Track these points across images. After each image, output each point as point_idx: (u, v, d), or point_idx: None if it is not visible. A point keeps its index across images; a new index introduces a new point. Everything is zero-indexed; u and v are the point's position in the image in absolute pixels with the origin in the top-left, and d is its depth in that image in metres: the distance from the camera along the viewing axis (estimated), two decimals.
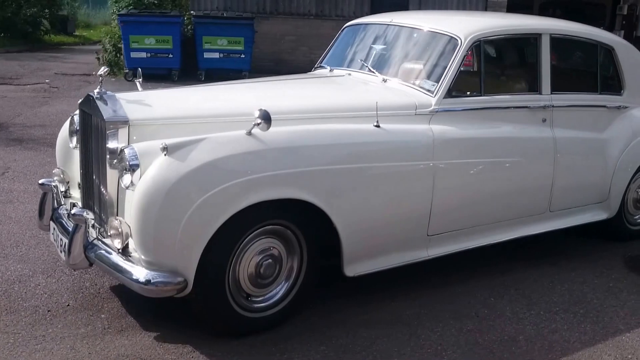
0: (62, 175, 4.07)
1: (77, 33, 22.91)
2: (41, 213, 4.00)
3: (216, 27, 12.95)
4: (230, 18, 13.11)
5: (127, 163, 3.20)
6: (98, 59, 13.95)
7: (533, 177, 4.38)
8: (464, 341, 3.52)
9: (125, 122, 3.46)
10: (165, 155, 3.13)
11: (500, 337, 3.58)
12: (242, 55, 13.17)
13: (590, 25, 5.05)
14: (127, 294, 3.69)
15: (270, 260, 3.44)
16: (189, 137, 3.25)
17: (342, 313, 3.77)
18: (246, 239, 3.34)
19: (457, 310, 3.87)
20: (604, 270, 4.57)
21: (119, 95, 3.69)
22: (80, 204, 3.82)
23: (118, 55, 13.45)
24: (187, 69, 13.01)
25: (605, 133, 4.77)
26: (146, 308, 3.66)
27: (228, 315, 3.37)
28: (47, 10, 20.18)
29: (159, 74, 12.09)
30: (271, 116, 3.30)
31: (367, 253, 3.71)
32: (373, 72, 4.39)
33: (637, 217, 5.19)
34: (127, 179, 3.21)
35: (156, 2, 14.09)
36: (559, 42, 4.60)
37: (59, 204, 3.93)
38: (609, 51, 4.85)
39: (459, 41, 4.12)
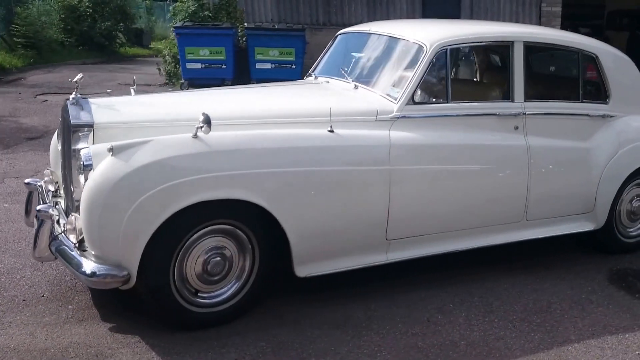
0: (51, 176, 4.37)
1: (152, 45, 23.88)
2: (27, 211, 4.32)
3: (268, 38, 13.28)
4: (281, 30, 13.43)
5: (82, 163, 3.45)
6: (159, 69, 14.57)
7: (504, 185, 4.35)
8: (404, 344, 3.57)
9: (90, 125, 3.72)
10: (111, 155, 3.36)
11: (442, 341, 3.61)
12: (293, 66, 13.44)
13: (575, 33, 4.96)
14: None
15: (218, 259, 3.61)
16: (137, 139, 3.46)
17: (296, 313, 3.89)
18: (192, 237, 3.51)
19: (410, 314, 3.92)
20: (583, 282, 4.49)
21: (93, 100, 3.98)
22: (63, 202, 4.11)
23: (177, 66, 14.01)
24: (240, 79, 13.38)
25: (588, 142, 4.67)
26: (112, 301, 3.89)
27: (173, 309, 3.56)
28: (121, 24, 21.20)
29: (213, 84, 12.49)
30: (221, 121, 3.50)
31: (320, 255, 3.82)
32: (347, 79, 4.50)
33: (631, 229, 5.03)
34: (82, 178, 3.46)
35: (211, 14, 14.59)
36: (536, 50, 4.58)
37: (44, 203, 4.22)
38: (592, 59, 4.76)
39: (424, 48, 4.18)
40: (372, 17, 14.80)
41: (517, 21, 13.75)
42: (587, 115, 4.69)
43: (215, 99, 4.44)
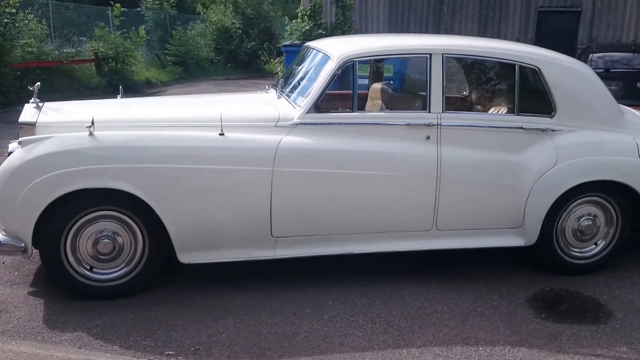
0: None
1: None
2: None
3: None
4: None
5: (7, 153, 4.17)
6: (267, 87, 15.48)
7: (408, 193, 4.41)
8: (251, 330, 3.84)
9: (32, 124, 4.43)
10: (20, 147, 4.04)
11: (286, 332, 3.83)
12: (391, 82, 13.65)
13: (521, 44, 4.86)
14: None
15: (107, 240, 4.13)
16: (45, 135, 4.11)
17: (182, 294, 4.30)
18: (81, 220, 4.08)
19: (282, 307, 4.15)
20: (494, 296, 4.41)
21: (49, 104, 4.72)
22: None
23: None
24: None
25: (520, 155, 4.55)
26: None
27: (67, 281, 4.14)
28: (266, 44, 22.67)
29: None
30: (125, 123, 4.18)
31: (203, 245, 4.21)
32: (275, 89, 4.86)
33: (581, 250, 4.80)
34: None
35: (325, 33, 15.26)
36: (464, 62, 4.60)
37: None
38: (534, 71, 4.63)
39: (331, 61, 4.43)
40: (483, 34, 14.71)
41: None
42: (521, 128, 4.58)
43: (134, 105, 4.99)
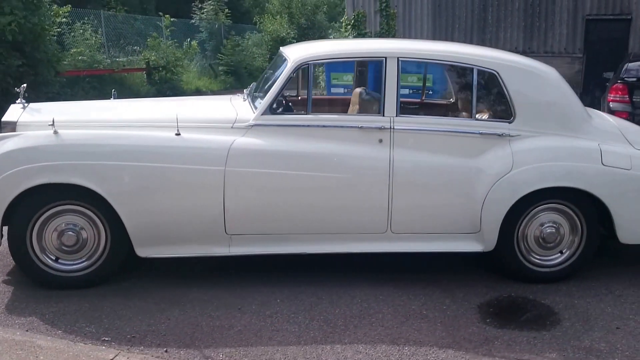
0: None
1: None
2: None
3: (409, 64, 13.66)
4: None
5: None
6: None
7: (361, 196, 4.49)
8: (190, 322, 4.01)
9: (14, 123, 4.77)
10: None
11: (223, 325, 3.99)
12: (431, 92, 13.65)
13: (484, 48, 4.87)
14: None
15: (71, 233, 4.41)
16: (13, 132, 4.43)
17: (142, 286, 4.53)
18: (46, 213, 4.36)
19: (229, 301, 4.31)
20: (446, 300, 4.42)
21: (33, 105, 5.05)
22: None
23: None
24: None
25: (476, 161, 4.56)
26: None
27: (34, 270, 4.43)
28: None
29: None
30: (92, 123, 4.43)
31: (159, 240, 4.43)
32: (243, 93, 5.05)
33: (544, 257, 4.74)
34: None
35: None
36: (420, 67, 4.66)
37: None
38: (493, 75, 4.64)
39: (288, 64, 4.58)
40: (529, 43, 14.51)
41: None
42: (478, 133, 4.60)
43: (107, 107, 5.25)
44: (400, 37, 15.71)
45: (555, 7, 14.56)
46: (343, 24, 16.60)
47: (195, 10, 21.35)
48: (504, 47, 14.85)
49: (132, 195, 4.32)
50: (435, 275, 4.83)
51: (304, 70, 4.59)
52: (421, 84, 6.04)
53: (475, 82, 4.64)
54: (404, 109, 4.69)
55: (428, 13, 15.37)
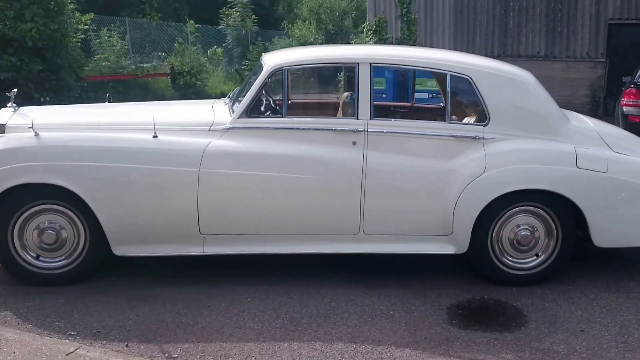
0: None
1: None
2: None
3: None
4: None
5: None
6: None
7: (334, 197, 4.55)
8: (155, 318, 4.13)
9: (3, 125, 4.96)
10: None
11: (188, 322, 4.09)
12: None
13: (458, 53, 4.89)
14: None
15: (51, 231, 4.56)
16: None
17: (120, 284, 4.66)
18: (27, 212, 4.52)
19: (197, 298, 4.42)
20: (416, 302, 4.45)
21: (23, 108, 5.23)
22: None
23: None
24: None
25: (449, 163, 4.58)
26: None
27: (15, 266, 4.60)
28: None
29: None
30: (77, 125, 4.57)
31: (135, 239, 4.56)
32: (226, 97, 5.17)
33: (519, 260, 4.74)
34: None
35: None
36: (394, 71, 4.71)
37: None
38: (467, 80, 4.67)
39: (264, 69, 4.69)
40: (551, 48, 14.39)
41: None
42: (451, 136, 4.63)
43: (92, 110, 5.41)
44: (422, 43, 15.71)
45: (578, 11, 14.39)
46: (364, 29, 16.64)
47: (222, 17, 21.65)
48: (525, 53, 14.76)
49: (108, 195, 4.46)
50: (410, 276, 4.87)
51: (279, 76, 4.66)
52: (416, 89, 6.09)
53: (449, 87, 4.67)
54: (381, 111, 4.72)
55: (449, 18, 15.33)
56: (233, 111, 4.73)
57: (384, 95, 10.58)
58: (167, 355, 3.67)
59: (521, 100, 4.73)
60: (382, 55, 4.88)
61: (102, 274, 4.75)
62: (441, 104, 5.67)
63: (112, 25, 16.94)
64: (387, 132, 4.62)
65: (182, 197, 4.49)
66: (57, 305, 4.29)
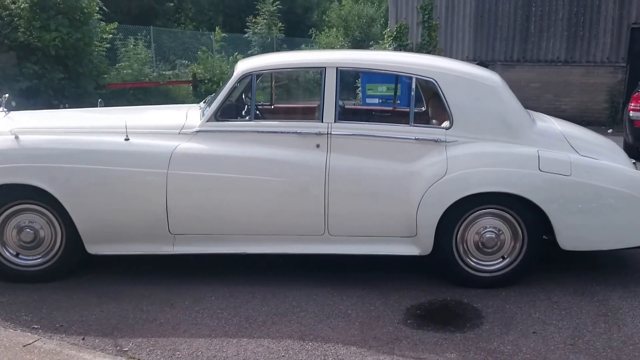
0: None
1: None
2: None
3: None
4: None
5: None
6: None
7: (298, 199, 4.65)
8: (118, 315, 4.29)
9: None
10: None
11: (148, 318, 4.24)
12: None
13: (424, 56, 4.95)
14: None
15: (29, 230, 4.78)
16: None
17: (97, 282, 4.85)
18: (5, 212, 4.74)
19: (167, 297, 4.57)
20: (376, 303, 4.51)
21: (12, 113, 5.47)
22: None
23: None
24: None
25: (412, 166, 4.64)
26: None
27: None
28: None
29: None
30: (43, 129, 4.77)
31: (108, 238, 4.73)
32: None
33: (485, 262, 4.77)
34: None
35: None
36: (360, 75, 4.79)
37: None
38: (431, 83, 4.74)
39: (233, 74, 4.84)
40: (572, 53, 14.26)
41: None
42: (414, 139, 4.70)
43: (75, 115, 5.62)
44: (441, 48, 15.72)
45: (600, 16, 14.21)
46: (385, 36, 16.72)
47: (249, 25, 21.95)
48: (545, 57, 14.63)
49: (81, 195, 4.65)
50: (378, 277, 4.94)
51: (247, 80, 4.79)
52: (392, 94, 6.15)
53: (414, 90, 4.74)
54: (348, 115, 4.80)
55: (470, 24, 15.30)
56: (203, 115, 4.87)
57: (388, 101, 10.68)
58: (118, 348, 3.81)
59: (485, 104, 4.76)
60: (348, 59, 4.97)
61: (82, 271, 4.92)
62: (422, 108, 5.74)
63: (139, 34, 17.34)
64: (350, 134, 4.70)
65: (151, 198, 4.65)
66: (29, 301, 4.48)
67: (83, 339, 3.93)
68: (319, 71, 4.79)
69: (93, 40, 13.74)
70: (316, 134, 4.67)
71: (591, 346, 3.90)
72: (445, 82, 4.71)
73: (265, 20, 21.59)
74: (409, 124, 4.75)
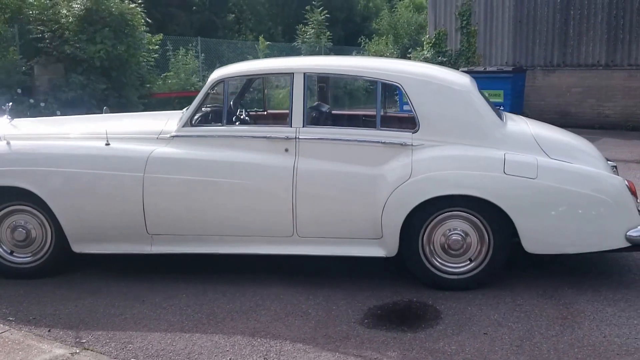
0: None
1: None
2: None
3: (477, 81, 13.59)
4: (489, 72, 13.63)
5: None
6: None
7: (267, 201, 4.81)
8: (89, 310, 4.54)
9: None
10: None
11: (115, 313, 4.48)
12: (502, 108, 13.46)
13: (391, 61, 5.03)
14: None
15: (21, 229, 5.12)
16: None
17: (82, 279, 5.13)
18: (3, 211, 5.09)
19: (141, 294, 4.80)
20: (339, 303, 4.60)
21: (16, 120, 5.84)
22: None
23: None
24: None
25: (378, 169, 4.72)
26: None
27: None
28: None
29: None
30: (33, 134, 5.11)
31: (91, 238, 5.01)
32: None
33: (452, 265, 4.80)
34: None
35: (446, 60, 15.47)
36: (326, 80, 4.94)
37: None
38: (397, 87, 4.83)
39: (208, 80, 5.06)
40: (612, 57, 13.93)
41: None
42: (380, 142, 4.79)
43: (68, 122, 5.93)
44: (480, 54, 15.60)
45: None
46: (424, 42, 16.70)
47: (298, 34, 22.31)
48: (585, 62, 14.32)
49: (65, 197, 4.94)
50: (349, 279, 5.03)
51: (220, 86, 5.00)
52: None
53: (379, 95, 4.83)
54: (316, 119, 4.94)
55: (509, 29, 15.13)
56: (180, 119, 5.09)
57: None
58: (77, 340, 4.05)
59: (452, 107, 4.81)
60: (315, 65, 5.12)
61: (72, 267, 5.23)
62: (400, 112, 5.81)
63: (190, 45, 17.91)
64: (317, 139, 4.83)
65: (129, 200, 4.90)
66: (15, 296, 4.79)
67: (49, 331, 4.19)
68: (289, 77, 4.93)
69: (138, 51, 14.30)
70: (284, 138, 4.83)
71: (536, 348, 3.89)
72: (411, 86, 4.78)
73: (313, 30, 21.84)
74: (375, 127, 4.83)
